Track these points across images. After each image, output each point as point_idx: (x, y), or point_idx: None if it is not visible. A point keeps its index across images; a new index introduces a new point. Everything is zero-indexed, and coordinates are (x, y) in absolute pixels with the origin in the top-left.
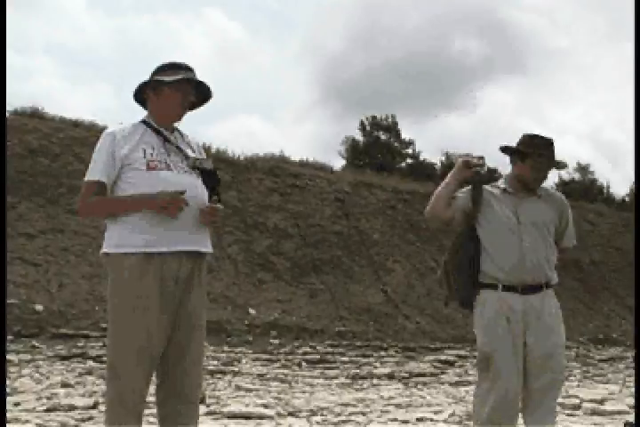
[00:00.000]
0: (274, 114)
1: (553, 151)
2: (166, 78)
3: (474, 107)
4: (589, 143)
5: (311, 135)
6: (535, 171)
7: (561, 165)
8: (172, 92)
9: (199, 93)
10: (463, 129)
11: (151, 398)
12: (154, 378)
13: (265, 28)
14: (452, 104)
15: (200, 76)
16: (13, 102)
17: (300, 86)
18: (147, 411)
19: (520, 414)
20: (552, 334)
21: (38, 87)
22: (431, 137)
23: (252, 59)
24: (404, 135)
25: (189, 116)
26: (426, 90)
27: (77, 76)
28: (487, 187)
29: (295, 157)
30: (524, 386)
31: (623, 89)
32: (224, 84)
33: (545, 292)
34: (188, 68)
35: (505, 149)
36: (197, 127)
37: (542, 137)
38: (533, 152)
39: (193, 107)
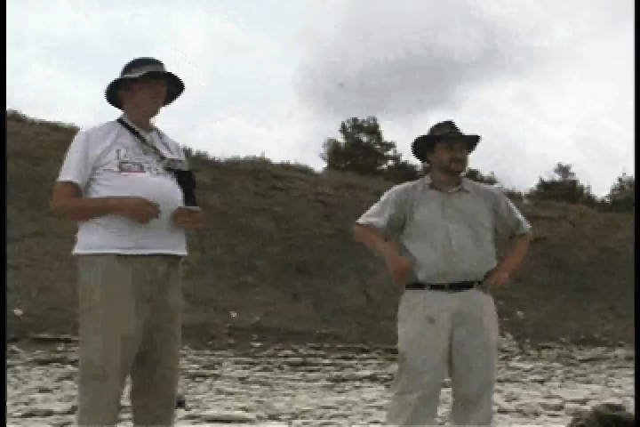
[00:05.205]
0: (261, 114)
1: (458, 129)
2: (132, 75)
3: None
4: (585, 136)
5: (300, 136)
6: (449, 150)
7: (474, 138)
8: (142, 87)
9: (172, 86)
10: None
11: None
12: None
13: (259, 21)
14: (447, 100)
15: (196, 69)
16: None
17: (287, 86)
18: (123, 416)
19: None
20: (481, 334)
21: (35, 81)
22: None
23: (246, 53)
24: (387, 137)
25: (174, 117)
26: (419, 86)
27: (74, 70)
28: (409, 186)
29: (277, 160)
30: (453, 391)
31: (622, 81)
32: (218, 77)
33: (476, 291)
34: (155, 62)
35: (415, 144)
36: (183, 128)
37: (441, 122)
38: (440, 134)
39: (170, 99)
